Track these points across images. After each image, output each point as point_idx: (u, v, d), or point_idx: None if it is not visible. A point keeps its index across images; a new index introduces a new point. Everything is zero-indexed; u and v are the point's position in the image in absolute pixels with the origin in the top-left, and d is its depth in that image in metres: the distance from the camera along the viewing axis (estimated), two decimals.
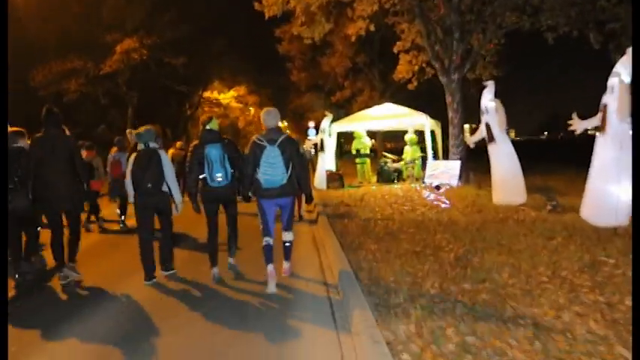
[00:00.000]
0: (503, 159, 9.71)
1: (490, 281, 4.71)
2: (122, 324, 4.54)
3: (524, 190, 9.64)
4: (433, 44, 13.30)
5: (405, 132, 16.32)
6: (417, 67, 15.88)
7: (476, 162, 14.76)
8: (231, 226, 5.99)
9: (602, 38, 12.26)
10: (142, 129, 5.85)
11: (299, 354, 3.71)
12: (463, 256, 5.71)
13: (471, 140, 10.66)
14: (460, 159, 13.53)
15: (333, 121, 15.66)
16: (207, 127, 5.74)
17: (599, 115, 6.97)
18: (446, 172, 13.45)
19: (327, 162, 15.56)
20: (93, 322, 4.66)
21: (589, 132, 8.04)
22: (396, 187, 14.27)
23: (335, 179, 15.26)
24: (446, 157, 14.69)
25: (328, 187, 15.14)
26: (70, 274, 5.95)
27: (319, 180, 15.56)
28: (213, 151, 5.50)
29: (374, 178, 16.46)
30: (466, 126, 16.70)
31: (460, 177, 13.18)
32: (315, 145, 18.74)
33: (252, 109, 55.36)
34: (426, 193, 12.30)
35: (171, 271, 5.98)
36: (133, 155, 5.84)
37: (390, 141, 29.52)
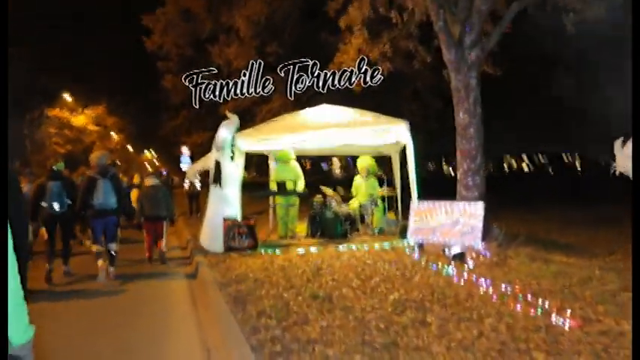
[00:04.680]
0: None
1: None
2: None
3: None
4: None
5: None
6: (377, 53, 9.71)
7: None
8: (66, 242, 7.41)
9: None
10: None
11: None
12: None
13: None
14: (479, 198, 7.46)
15: (238, 129, 8.76)
16: (54, 167, 7.31)
17: None
18: (453, 223, 7.29)
19: (227, 203, 8.56)
20: None
21: None
22: (357, 249, 7.77)
23: (242, 234, 8.28)
24: (424, 193, 8.52)
25: (229, 247, 8.14)
26: None
27: (211, 235, 8.49)
28: (55, 187, 7.05)
29: (301, 229, 9.76)
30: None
31: (485, 232, 7.08)
32: (203, 172, 11.89)
33: (114, 136, 45.86)
34: (450, 270, 5.96)
35: None
36: None
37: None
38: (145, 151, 68.20)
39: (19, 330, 1.51)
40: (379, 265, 6.41)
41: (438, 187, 9.87)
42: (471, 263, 6.24)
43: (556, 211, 15.48)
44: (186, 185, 16.23)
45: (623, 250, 7.97)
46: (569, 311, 4.24)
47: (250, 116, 15.29)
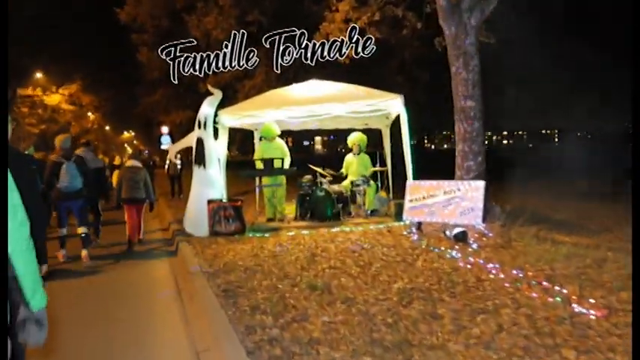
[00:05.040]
0: None
1: None
2: None
3: None
4: None
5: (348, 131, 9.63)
6: (364, 21, 9.11)
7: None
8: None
9: None
10: None
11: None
12: None
13: None
14: (478, 177, 7.08)
15: (220, 106, 8.20)
16: (26, 152, 7.52)
17: None
18: (452, 203, 6.91)
19: (211, 184, 8.06)
20: None
21: None
22: (351, 232, 7.36)
23: (228, 218, 7.81)
24: (421, 172, 8.12)
25: (215, 232, 7.69)
26: None
27: (195, 219, 8.02)
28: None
29: (289, 210, 9.30)
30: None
31: (486, 212, 6.74)
32: (183, 152, 11.48)
33: (90, 115, 44.43)
34: (453, 253, 5.59)
35: None
36: None
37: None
38: (125, 132, 66.74)
39: (39, 297, 1.86)
40: (377, 250, 6.01)
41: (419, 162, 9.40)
42: (474, 245, 5.88)
43: (540, 185, 15.31)
44: (167, 166, 15.60)
45: (619, 227, 7.74)
46: (591, 300, 3.91)
47: (232, 92, 14.61)
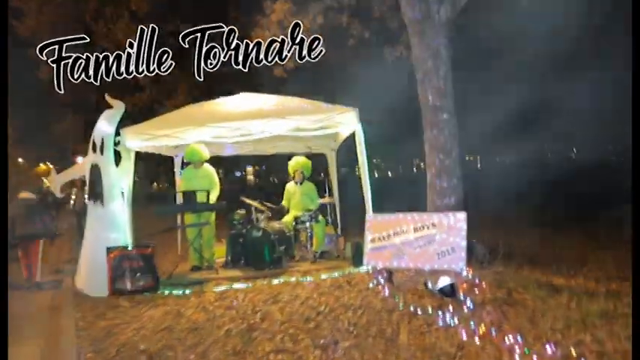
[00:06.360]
0: None
1: None
2: None
3: None
4: None
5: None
6: (307, 24, 7.65)
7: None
8: None
9: None
10: None
11: None
12: None
13: None
14: (457, 207, 5.67)
15: (123, 122, 6.35)
16: None
17: None
18: (426, 242, 5.43)
19: (111, 225, 6.11)
20: None
21: None
22: (298, 284, 5.67)
23: (135, 270, 5.85)
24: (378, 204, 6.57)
25: (118, 290, 5.72)
26: None
27: (90, 273, 6.04)
28: None
29: (219, 254, 7.41)
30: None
31: (471, 252, 5.31)
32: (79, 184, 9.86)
33: None
34: (447, 317, 4.04)
35: None
36: None
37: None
38: (41, 164, 61.25)
39: None
40: (340, 314, 4.35)
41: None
42: (468, 302, 4.38)
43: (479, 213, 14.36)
44: (72, 201, 13.19)
45: (594, 259, 6.64)
46: None
47: (151, 115, 12.58)
